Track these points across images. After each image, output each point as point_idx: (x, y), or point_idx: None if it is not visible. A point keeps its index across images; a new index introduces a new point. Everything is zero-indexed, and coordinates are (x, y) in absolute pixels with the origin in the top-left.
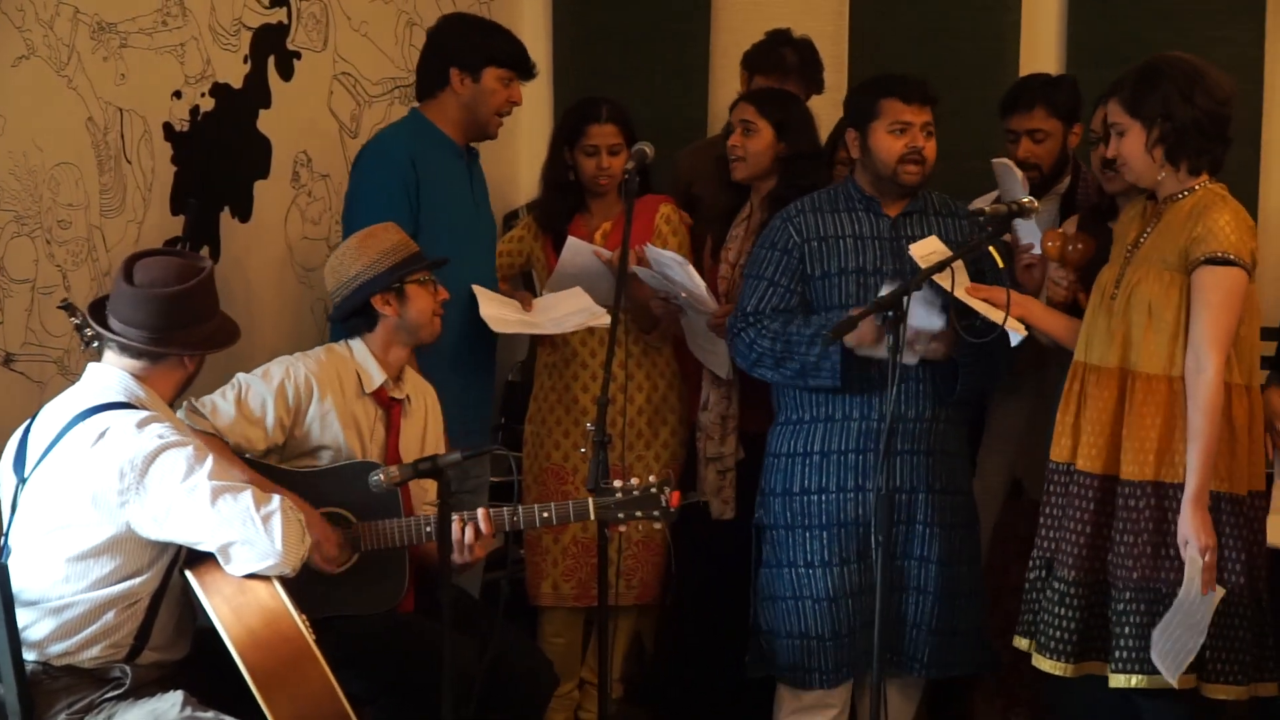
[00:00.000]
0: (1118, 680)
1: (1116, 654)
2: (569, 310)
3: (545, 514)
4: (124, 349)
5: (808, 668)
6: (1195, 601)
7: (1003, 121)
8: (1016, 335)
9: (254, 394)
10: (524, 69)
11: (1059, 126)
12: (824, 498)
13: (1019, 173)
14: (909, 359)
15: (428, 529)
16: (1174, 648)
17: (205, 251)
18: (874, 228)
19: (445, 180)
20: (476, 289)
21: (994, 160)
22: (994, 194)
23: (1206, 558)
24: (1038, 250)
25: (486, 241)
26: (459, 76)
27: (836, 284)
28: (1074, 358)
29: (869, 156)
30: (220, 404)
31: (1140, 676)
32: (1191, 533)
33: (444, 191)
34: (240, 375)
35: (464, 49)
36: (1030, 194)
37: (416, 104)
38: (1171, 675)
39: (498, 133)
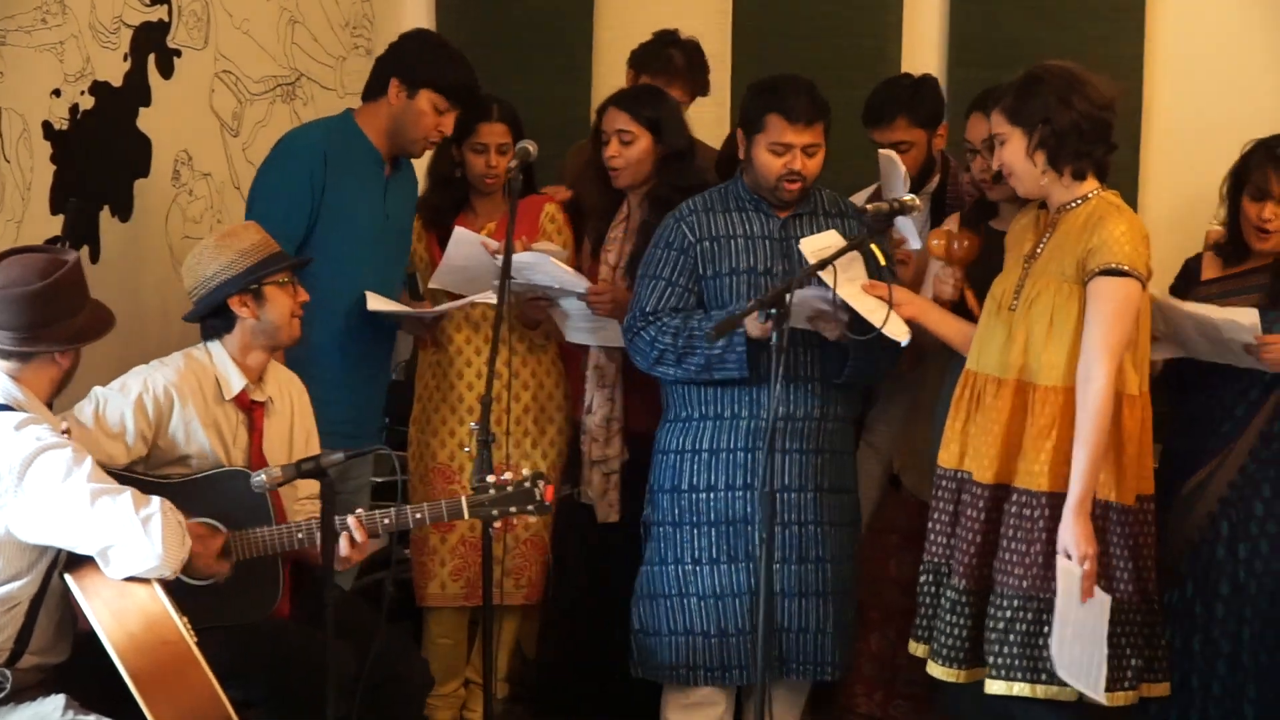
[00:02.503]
0: (996, 687)
1: (999, 660)
2: (468, 277)
3: (418, 515)
4: None
5: (692, 665)
6: (1084, 610)
7: (866, 132)
8: (903, 341)
9: (112, 408)
10: (461, 100)
11: (922, 135)
12: (712, 495)
13: (902, 168)
14: (801, 324)
15: (300, 535)
16: (1083, 661)
17: (85, 251)
18: (764, 227)
19: (355, 184)
20: (370, 296)
21: (881, 152)
22: (871, 188)
23: (1086, 566)
24: (912, 246)
25: (393, 253)
26: (396, 88)
27: (728, 283)
28: (965, 365)
29: (750, 166)
30: (79, 419)
31: (1024, 684)
32: (1072, 541)
33: (351, 195)
34: (97, 389)
35: (410, 64)
36: (907, 191)
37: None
38: (1095, 690)
39: (421, 153)
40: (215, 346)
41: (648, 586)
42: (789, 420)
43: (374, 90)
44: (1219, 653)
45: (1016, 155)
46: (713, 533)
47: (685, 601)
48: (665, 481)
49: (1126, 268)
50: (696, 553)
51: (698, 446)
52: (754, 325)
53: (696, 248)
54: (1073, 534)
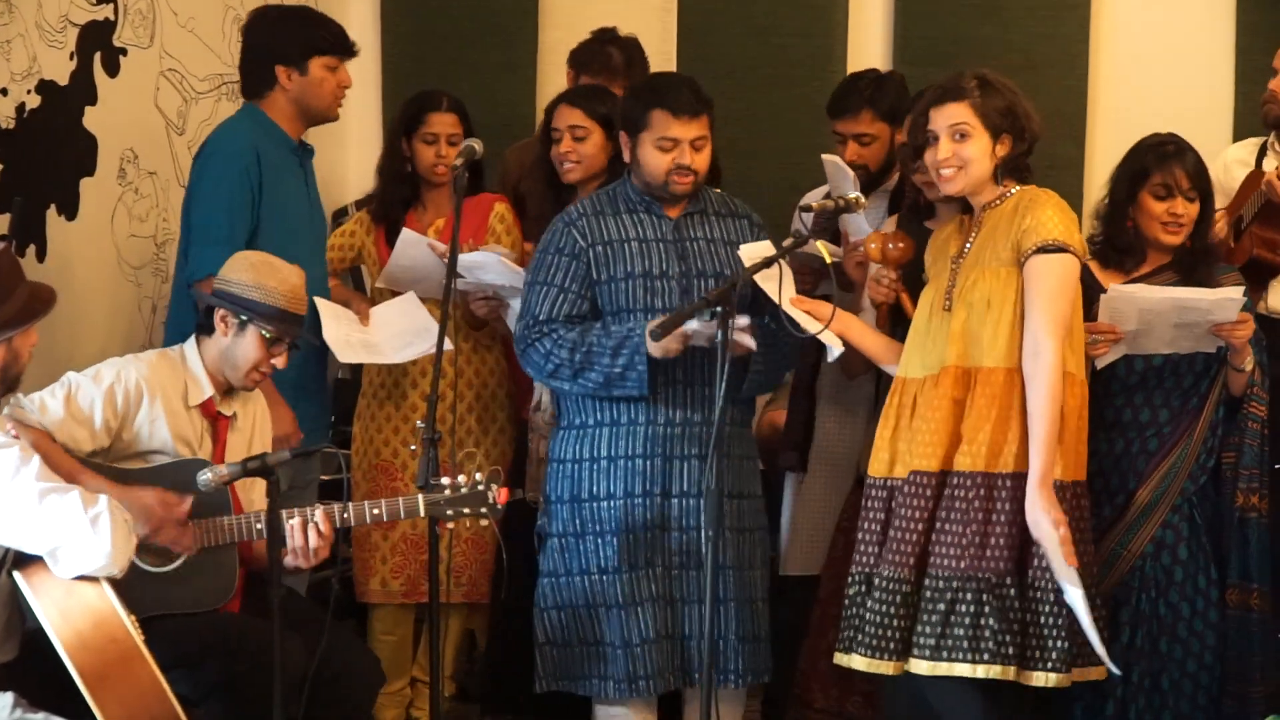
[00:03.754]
0: (939, 668)
1: (942, 642)
2: (407, 328)
3: (375, 511)
4: None
5: (604, 675)
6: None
7: (830, 123)
8: (834, 350)
9: (83, 394)
10: (346, 50)
11: (885, 129)
12: (612, 503)
13: (850, 171)
14: (704, 344)
15: (259, 525)
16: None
17: (31, 250)
18: (657, 229)
19: (283, 177)
20: (319, 301)
21: (824, 156)
22: (820, 190)
23: (1062, 531)
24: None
25: (319, 239)
26: (285, 72)
27: (623, 288)
28: (896, 374)
29: (637, 166)
30: (49, 402)
31: (965, 665)
32: (1041, 512)
33: (282, 189)
34: (71, 374)
35: (285, 44)
36: (858, 191)
37: (248, 101)
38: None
39: (337, 113)
40: (190, 350)
41: (553, 598)
42: (686, 425)
43: (261, 85)
44: (1189, 652)
45: (982, 153)
46: (615, 541)
47: (593, 612)
48: (563, 492)
49: (1063, 243)
50: (602, 562)
51: (595, 455)
52: (656, 346)
53: (589, 252)
54: (1041, 506)
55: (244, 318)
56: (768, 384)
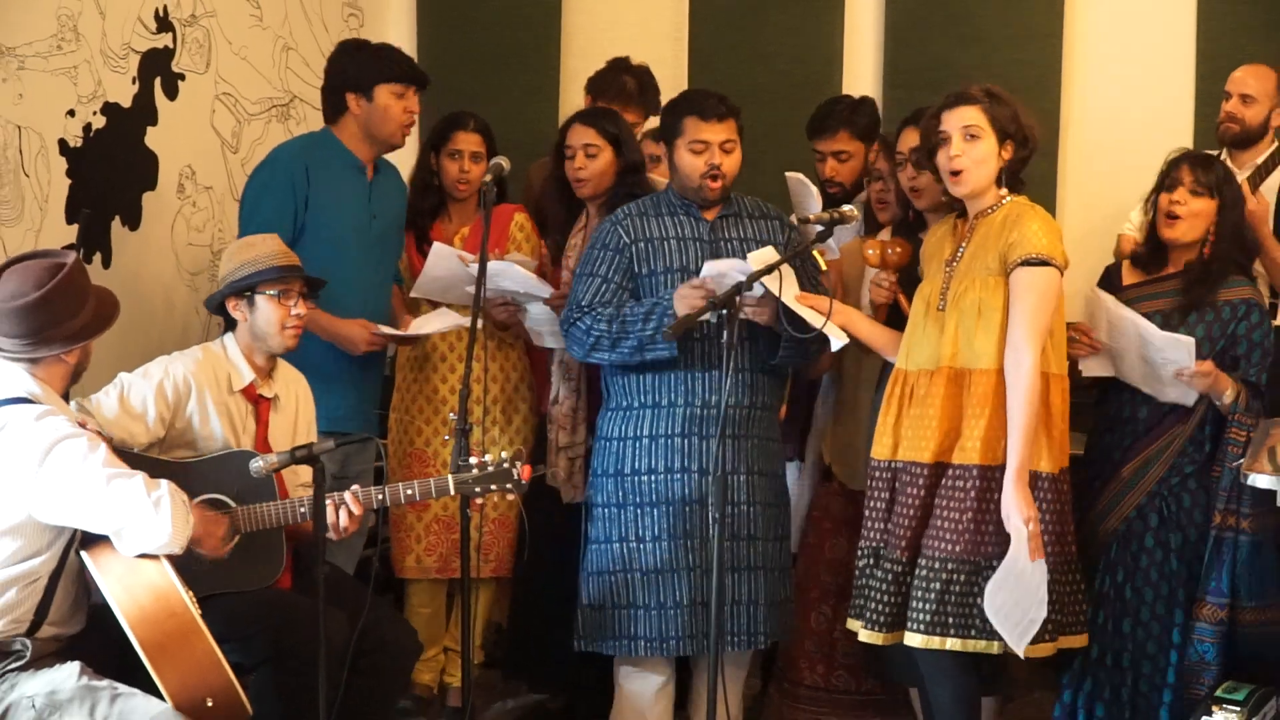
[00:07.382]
0: (932, 641)
1: (934, 619)
2: (440, 325)
3: (409, 491)
4: (5, 356)
5: (634, 635)
6: (1028, 571)
7: (810, 143)
8: (838, 341)
9: (135, 391)
10: (414, 81)
11: (860, 147)
12: (653, 478)
13: (814, 187)
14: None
15: (302, 510)
16: (1014, 615)
17: (98, 258)
18: (694, 230)
19: (338, 191)
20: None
21: (788, 174)
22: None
23: (1031, 527)
24: (832, 256)
25: (381, 251)
26: (354, 99)
27: (662, 281)
28: (895, 366)
29: (675, 171)
30: (105, 401)
31: (955, 639)
32: (1014, 507)
33: (334, 202)
34: (123, 374)
35: (355, 72)
36: (842, 205)
37: (326, 125)
38: (1017, 643)
39: (404, 141)
40: (230, 341)
41: (596, 563)
42: (720, 408)
43: (335, 110)
44: (1149, 634)
45: (989, 156)
46: (655, 512)
47: (629, 577)
48: (608, 466)
49: (1045, 257)
50: (640, 531)
51: (638, 433)
52: (683, 304)
53: (632, 248)
54: (1014, 501)
55: (247, 293)
56: (799, 356)
